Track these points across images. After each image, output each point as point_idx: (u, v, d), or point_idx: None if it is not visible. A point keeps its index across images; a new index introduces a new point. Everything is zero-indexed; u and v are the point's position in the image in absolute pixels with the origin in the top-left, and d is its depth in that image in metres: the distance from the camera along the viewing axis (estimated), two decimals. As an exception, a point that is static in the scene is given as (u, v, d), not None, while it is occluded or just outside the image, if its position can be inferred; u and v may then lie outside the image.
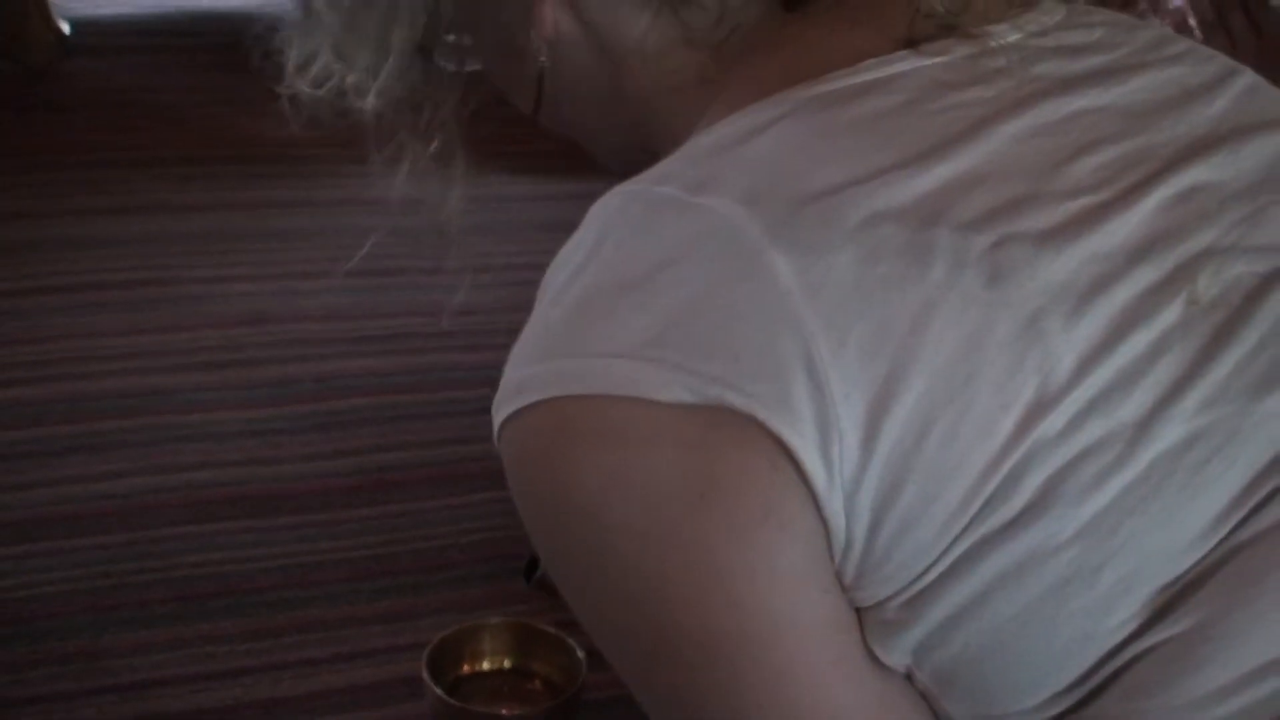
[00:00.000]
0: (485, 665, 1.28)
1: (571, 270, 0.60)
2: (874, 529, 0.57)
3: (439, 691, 1.18)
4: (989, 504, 0.56)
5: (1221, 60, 0.71)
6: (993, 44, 0.65)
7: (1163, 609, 0.57)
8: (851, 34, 0.65)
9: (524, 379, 0.59)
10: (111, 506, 1.56)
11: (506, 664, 1.27)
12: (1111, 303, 0.58)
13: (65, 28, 3.04)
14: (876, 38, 0.64)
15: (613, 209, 0.61)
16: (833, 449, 0.55)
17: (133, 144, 2.61)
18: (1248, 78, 0.71)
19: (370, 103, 0.72)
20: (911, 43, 0.64)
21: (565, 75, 0.73)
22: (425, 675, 1.20)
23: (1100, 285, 0.58)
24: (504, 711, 1.23)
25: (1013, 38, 0.66)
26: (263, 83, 0.74)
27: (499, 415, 0.60)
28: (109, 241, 2.21)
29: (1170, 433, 0.57)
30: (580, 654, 1.23)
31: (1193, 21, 1.65)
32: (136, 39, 3.21)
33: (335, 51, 0.72)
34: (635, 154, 0.73)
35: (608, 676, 1.29)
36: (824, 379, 0.55)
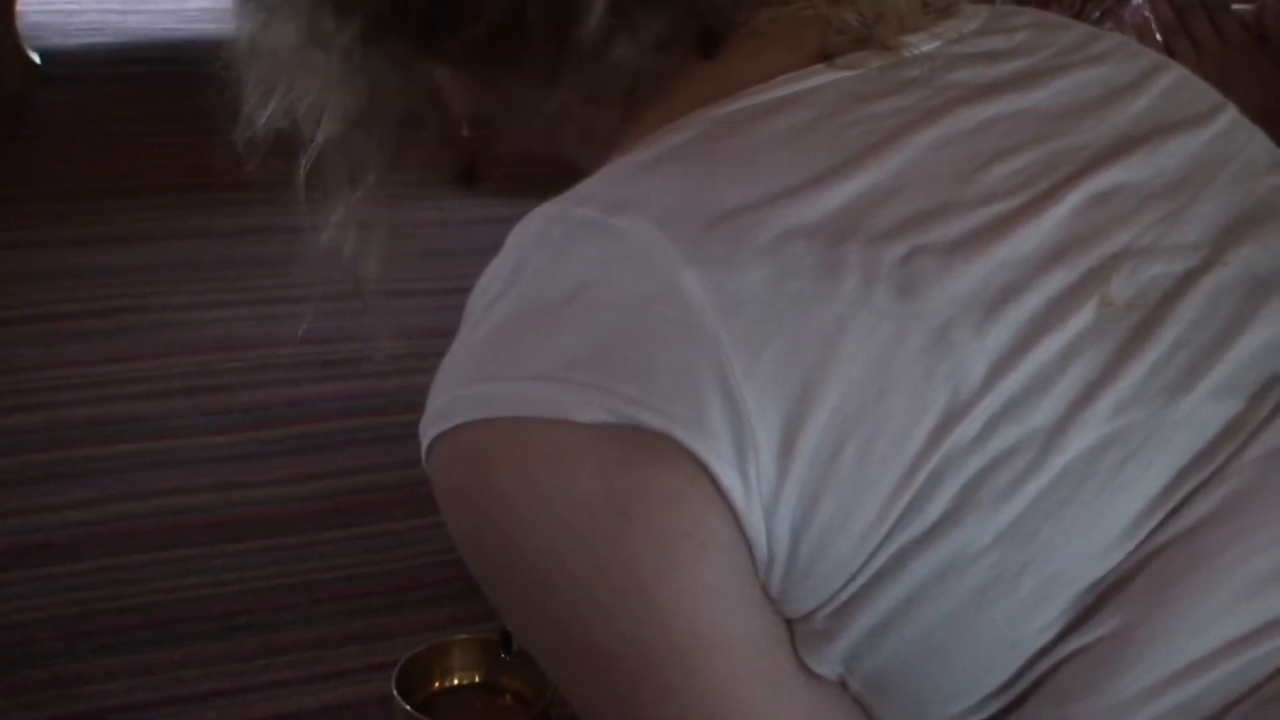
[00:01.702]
0: (455, 682, 1.29)
1: (493, 295, 0.60)
2: (794, 544, 0.57)
3: (408, 708, 1.19)
4: (906, 514, 0.56)
5: (1147, 57, 0.71)
6: (907, 54, 0.65)
7: (1086, 612, 0.57)
8: (765, 53, 0.65)
9: (448, 403, 0.59)
10: (84, 533, 1.57)
11: (476, 680, 1.28)
12: (1021, 310, 0.58)
13: (36, 58, 3.05)
14: (790, 54, 0.64)
15: (532, 233, 0.61)
16: (750, 467, 0.56)
17: (103, 174, 2.61)
18: (1173, 74, 0.70)
19: (321, 135, 0.72)
20: (826, 57, 0.64)
21: (508, 146, 0.76)
22: (394, 692, 1.20)
23: (1010, 293, 0.58)
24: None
25: (928, 47, 0.66)
26: (219, 118, 0.74)
27: (426, 438, 0.61)
28: (81, 271, 2.22)
29: (1084, 437, 0.57)
30: (549, 670, 1.24)
31: (1155, 28, 1.65)
32: (107, 69, 3.22)
33: (286, 87, 0.71)
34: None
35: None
36: (739, 397, 0.55)
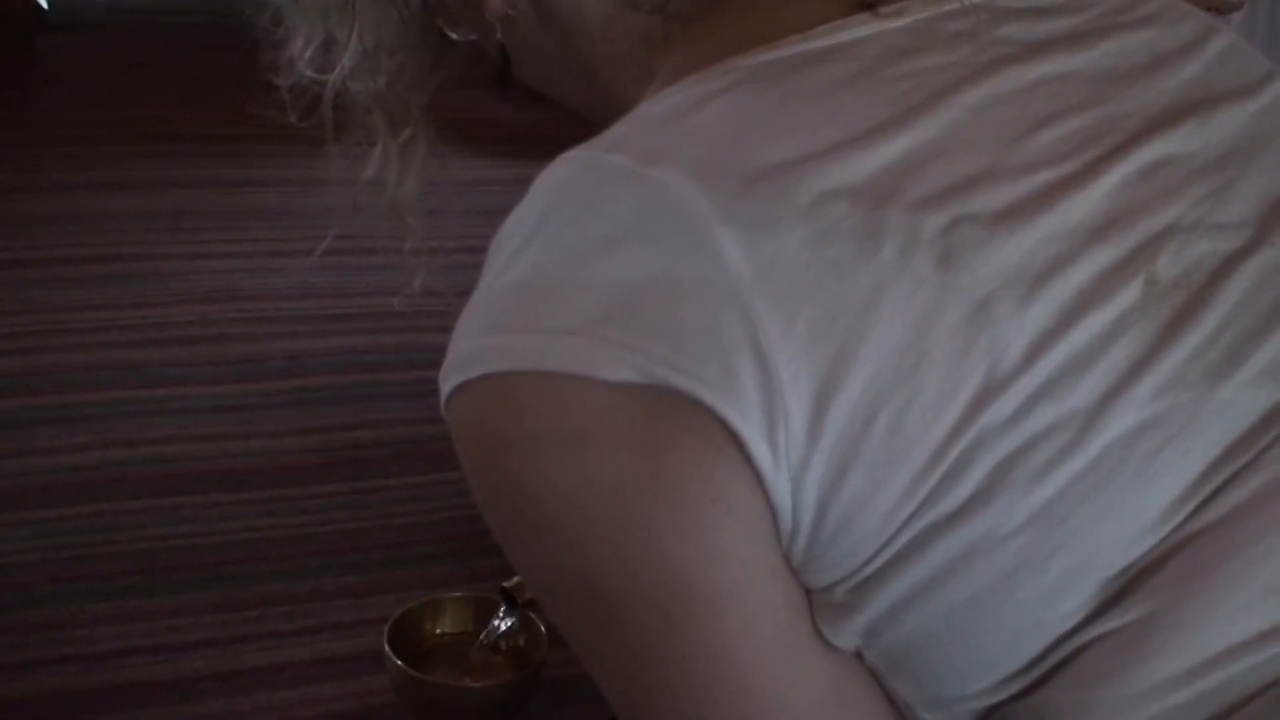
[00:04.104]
0: (448, 639, 1.29)
1: (519, 241, 0.58)
2: (820, 514, 0.56)
3: (400, 663, 1.19)
4: (936, 491, 0.55)
5: (1197, 19, 0.68)
6: (953, 5, 0.62)
7: (1113, 598, 0.56)
8: None
9: (472, 351, 0.58)
10: (79, 478, 1.57)
11: (469, 638, 1.28)
12: (1066, 286, 0.56)
13: (43, 3, 3.03)
14: (831, 1, 0.62)
15: (562, 179, 0.59)
16: (779, 434, 0.54)
17: (107, 121, 2.61)
18: (1223, 39, 0.68)
19: (359, 86, 0.72)
20: (869, 6, 0.62)
21: (523, 46, 0.72)
22: (386, 647, 1.20)
23: (1055, 268, 0.56)
24: (465, 683, 1.24)
25: None
26: (253, 66, 0.74)
27: (447, 384, 0.59)
28: (83, 216, 2.21)
29: (1122, 420, 0.55)
30: (543, 628, 1.24)
31: None
32: (114, 16, 3.21)
33: (328, 35, 0.71)
34: (608, 116, 0.71)
35: (570, 654, 1.31)
36: (771, 363, 0.54)
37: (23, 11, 2.98)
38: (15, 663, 1.29)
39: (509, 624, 1.25)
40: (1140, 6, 0.67)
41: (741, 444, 0.54)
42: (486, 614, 1.28)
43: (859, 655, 0.61)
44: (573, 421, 0.56)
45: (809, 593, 0.60)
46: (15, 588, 1.39)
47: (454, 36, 0.75)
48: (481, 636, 1.26)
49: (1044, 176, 0.58)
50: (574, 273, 0.56)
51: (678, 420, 0.55)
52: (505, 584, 1.24)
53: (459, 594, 1.31)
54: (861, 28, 0.61)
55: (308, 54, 0.72)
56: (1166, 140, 0.61)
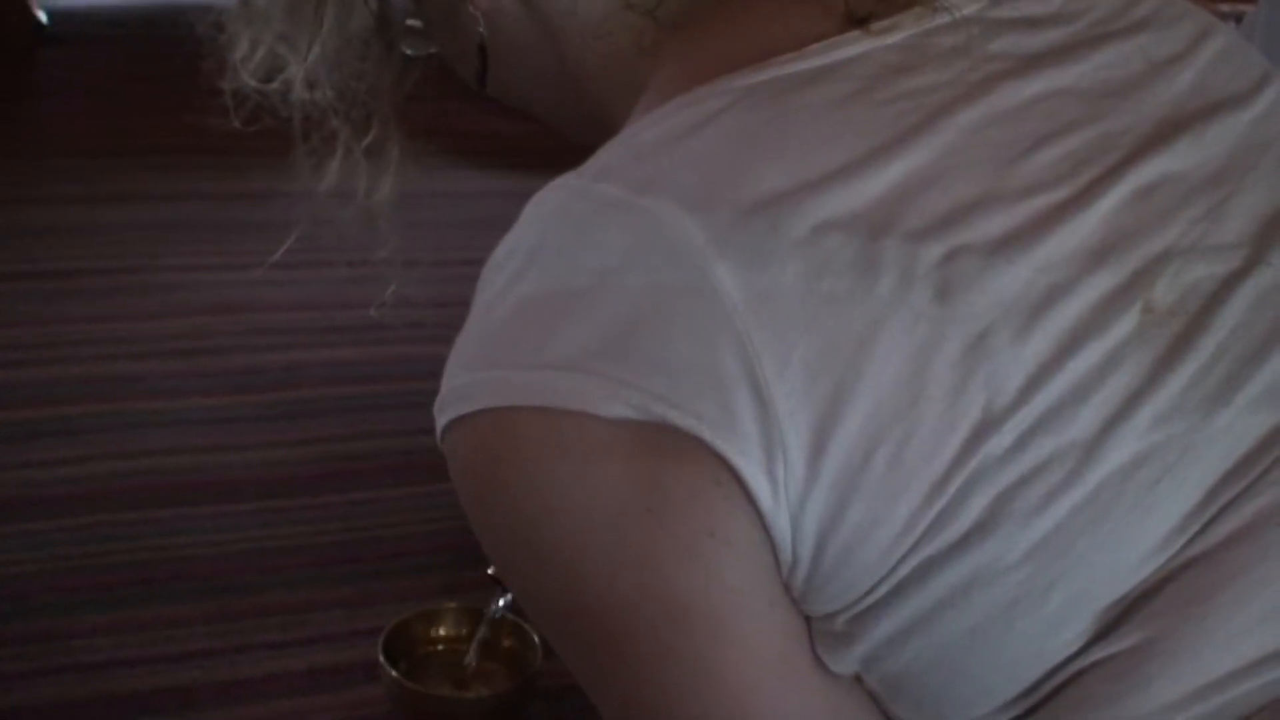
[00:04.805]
0: (441, 649, 1.30)
1: (511, 273, 0.58)
2: (820, 548, 0.56)
3: (394, 673, 1.20)
4: (935, 524, 0.55)
5: (1194, 18, 0.67)
6: (945, 19, 0.61)
7: (1111, 624, 0.56)
8: (796, 10, 0.62)
9: (467, 385, 0.57)
10: (77, 490, 1.58)
11: (464, 648, 1.28)
12: (1064, 315, 0.55)
13: (42, 17, 3.04)
14: (820, 16, 0.61)
15: (552, 208, 0.58)
16: (778, 469, 0.54)
17: (105, 133, 2.61)
18: (1219, 39, 0.67)
19: (309, 91, 0.70)
20: (860, 20, 0.61)
21: (505, 46, 0.71)
22: (381, 657, 1.21)
23: (1053, 297, 0.55)
24: (459, 695, 1.25)
25: (969, 9, 0.62)
26: (203, 79, 0.73)
27: (442, 418, 0.59)
28: (80, 229, 2.22)
29: (1121, 451, 0.55)
30: (536, 639, 1.25)
31: None
32: (113, 29, 3.21)
33: (279, 39, 0.70)
34: (586, 126, 0.71)
35: (565, 664, 1.31)
36: (769, 398, 0.53)
37: (22, 24, 2.99)
38: (13, 673, 1.30)
39: (504, 601, 1.25)
40: (1133, 10, 0.66)
41: (741, 479, 0.54)
42: (480, 624, 1.28)
43: (858, 679, 0.61)
44: (570, 456, 0.55)
45: (808, 619, 0.60)
46: (13, 598, 1.40)
47: (409, 52, 0.75)
48: (486, 613, 1.26)
49: (1041, 201, 0.57)
50: (566, 306, 0.55)
51: (675, 455, 0.54)
52: (491, 570, 1.24)
53: (453, 604, 1.32)
54: (853, 46, 0.60)
55: (254, 60, 0.71)
56: (1162, 158, 0.60)
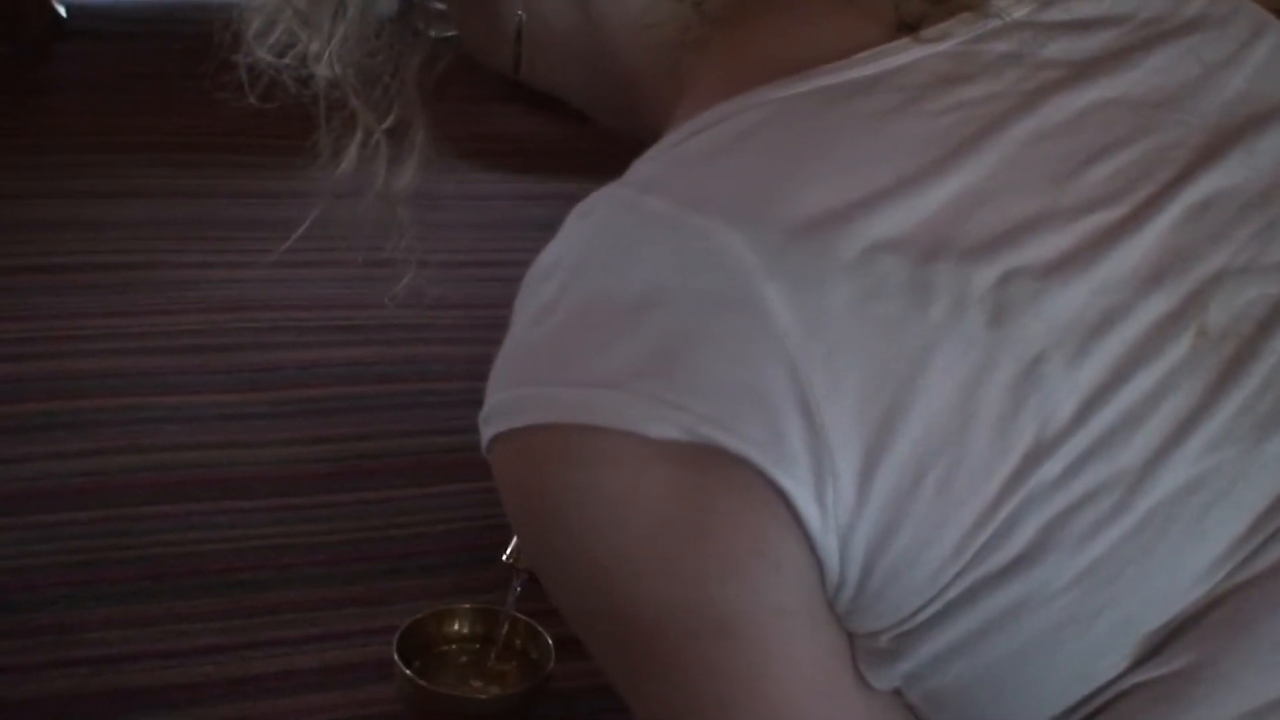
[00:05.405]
0: (455, 649, 1.30)
1: (557, 286, 0.57)
2: (867, 570, 0.56)
3: (408, 672, 1.20)
4: (984, 549, 0.54)
5: (1244, 18, 0.66)
6: (996, 24, 0.60)
7: (1155, 648, 0.56)
8: (844, 12, 0.61)
9: (514, 400, 0.57)
10: (90, 484, 1.58)
11: (476, 648, 1.29)
12: (1118, 340, 0.55)
13: (61, 11, 3.05)
14: (870, 21, 0.60)
15: (598, 220, 0.58)
16: (827, 493, 0.54)
17: (124, 129, 2.62)
18: (1270, 39, 0.65)
19: (331, 71, 0.70)
20: (908, 27, 0.60)
21: (544, 31, 0.70)
22: (395, 657, 1.21)
23: (1107, 321, 0.55)
24: (472, 694, 1.25)
25: (1020, 13, 0.61)
26: (223, 71, 0.72)
27: (488, 430, 0.58)
28: (97, 224, 2.23)
29: (1172, 478, 0.55)
30: (549, 640, 1.25)
31: None
32: (131, 25, 3.22)
33: (297, 17, 0.69)
34: (622, 115, 0.71)
35: (578, 665, 1.32)
36: (819, 422, 0.53)
37: (40, 18, 2.99)
38: (25, 665, 1.30)
39: (519, 587, 1.24)
40: (1185, 8, 0.65)
41: (789, 502, 0.54)
42: (493, 625, 1.29)
43: (897, 692, 0.61)
44: (617, 474, 0.55)
45: (850, 635, 0.60)
46: (26, 589, 1.40)
47: (434, 33, 0.74)
48: (504, 611, 1.26)
49: (1096, 220, 0.57)
50: (614, 323, 0.55)
51: (723, 476, 0.54)
52: (505, 557, 1.23)
53: (467, 604, 1.32)
54: (903, 54, 0.59)
55: (273, 36, 0.71)
56: (1214, 174, 0.60)
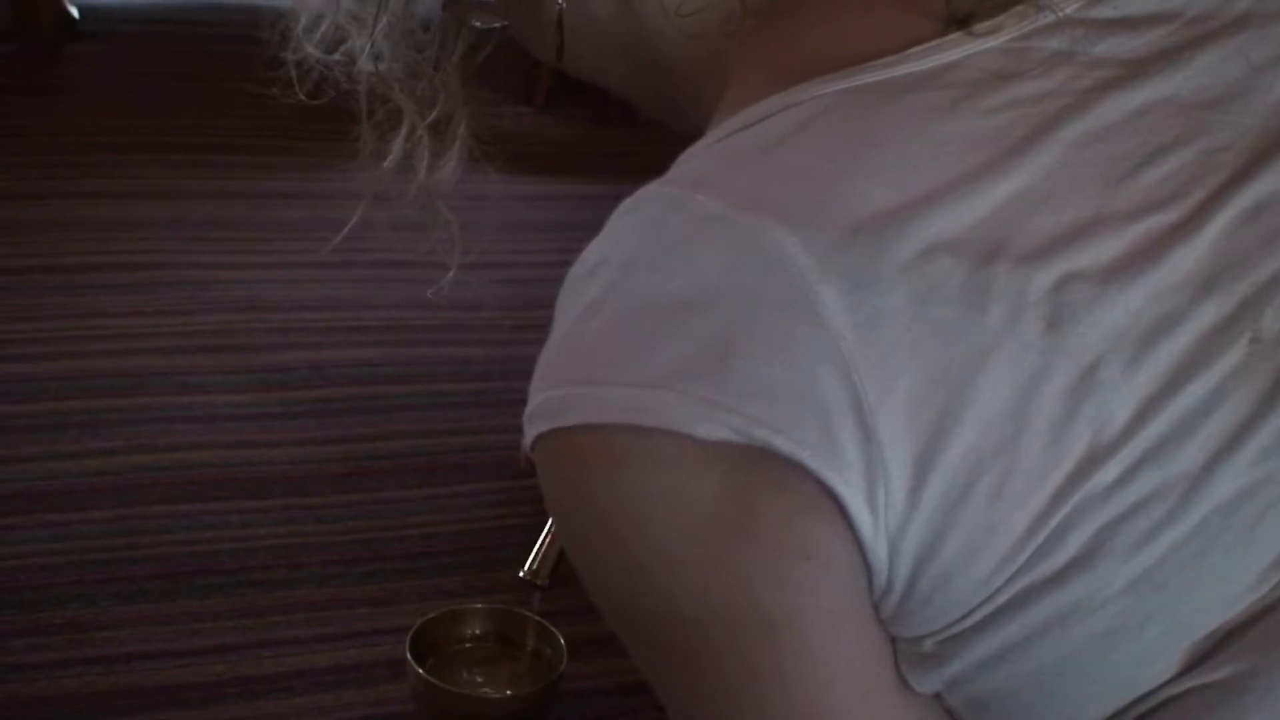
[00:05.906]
0: (468, 648, 1.30)
1: (605, 284, 0.56)
2: (915, 575, 0.55)
3: (420, 671, 1.20)
4: (1035, 556, 0.54)
5: None
6: (1048, 19, 0.59)
7: (1203, 655, 0.56)
8: (893, 5, 0.60)
9: (560, 400, 0.56)
10: (103, 483, 1.58)
11: (489, 648, 1.29)
12: (1173, 346, 0.54)
13: (74, 12, 3.06)
14: (920, 15, 0.59)
15: (648, 218, 0.57)
16: (879, 496, 0.53)
17: (138, 129, 2.62)
18: None
19: (378, 65, 0.69)
20: (959, 21, 0.59)
21: (584, 19, 0.69)
22: (408, 655, 1.21)
23: (1162, 328, 0.54)
24: (484, 694, 1.25)
25: (1070, 8, 0.60)
26: (265, 63, 0.72)
27: (532, 429, 0.58)
28: (111, 224, 2.23)
29: (1226, 486, 0.54)
30: (562, 641, 1.25)
31: None
32: (144, 26, 3.23)
33: (345, 12, 0.69)
34: (662, 103, 0.71)
35: (590, 666, 1.32)
36: (872, 425, 0.52)
37: (53, 19, 3.00)
38: (38, 663, 1.30)
39: (537, 600, 1.24)
40: (1232, 5, 0.64)
41: (841, 505, 0.53)
42: (506, 625, 1.29)
43: (937, 696, 0.60)
44: (665, 476, 0.55)
45: (893, 639, 0.59)
46: (39, 587, 1.40)
47: (478, 25, 0.74)
48: (529, 617, 1.26)
49: (1151, 223, 0.56)
50: (664, 322, 0.54)
51: (773, 478, 0.54)
52: (523, 574, 1.23)
53: (479, 605, 1.32)
54: (955, 50, 0.58)
55: (320, 30, 0.70)
56: (1266, 177, 0.59)
